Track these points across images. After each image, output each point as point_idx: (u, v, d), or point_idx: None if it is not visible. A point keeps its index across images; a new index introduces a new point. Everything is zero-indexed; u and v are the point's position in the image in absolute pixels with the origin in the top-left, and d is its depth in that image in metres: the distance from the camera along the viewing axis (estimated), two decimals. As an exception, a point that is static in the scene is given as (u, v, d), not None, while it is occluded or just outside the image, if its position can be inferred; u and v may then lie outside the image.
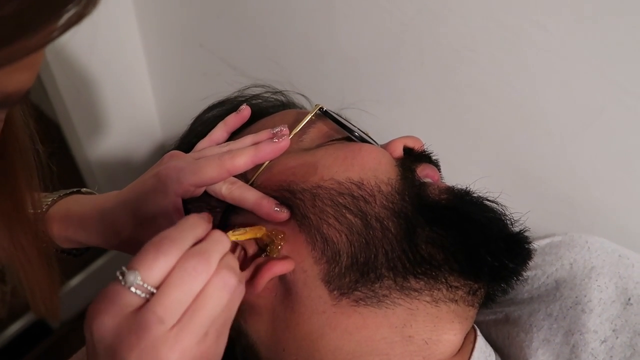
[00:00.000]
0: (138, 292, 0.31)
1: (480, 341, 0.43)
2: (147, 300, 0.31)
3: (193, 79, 0.91)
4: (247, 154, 0.41)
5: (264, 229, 0.42)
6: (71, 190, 0.50)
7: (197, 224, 0.35)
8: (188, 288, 0.32)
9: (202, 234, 0.35)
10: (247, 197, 0.42)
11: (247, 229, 0.41)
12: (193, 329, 0.31)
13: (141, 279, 0.31)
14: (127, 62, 0.92)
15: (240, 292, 0.35)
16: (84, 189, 0.52)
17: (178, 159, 0.44)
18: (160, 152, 1.04)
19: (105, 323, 0.31)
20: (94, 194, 0.52)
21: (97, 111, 0.92)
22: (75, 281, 1.17)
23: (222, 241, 0.35)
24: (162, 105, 1.02)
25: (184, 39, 0.86)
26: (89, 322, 0.31)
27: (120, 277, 0.31)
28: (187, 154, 0.46)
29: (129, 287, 0.31)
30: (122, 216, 0.44)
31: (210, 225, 0.36)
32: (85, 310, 0.33)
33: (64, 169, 0.44)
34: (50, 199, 0.49)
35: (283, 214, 0.41)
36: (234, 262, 0.36)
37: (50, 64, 0.80)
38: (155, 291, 0.31)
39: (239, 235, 0.40)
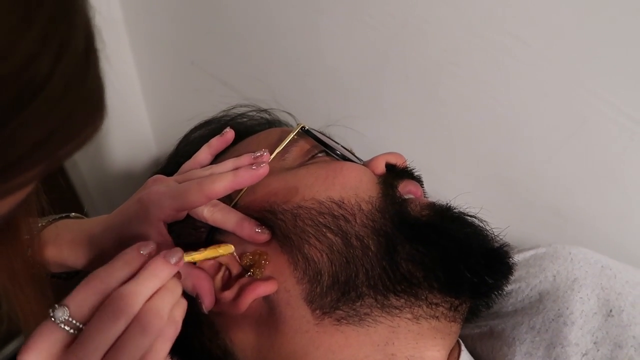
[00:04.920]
0: (66, 327, 0.32)
1: (465, 356, 0.43)
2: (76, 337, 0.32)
3: (186, 96, 0.92)
4: (225, 179, 0.41)
5: (231, 247, 0.41)
6: (60, 215, 0.51)
7: (130, 261, 0.35)
8: (108, 331, 0.32)
9: (134, 271, 0.34)
10: (229, 220, 0.43)
11: (209, 248, 0.40)
12: None
13: (69, 314, 0.32)
14: (120, 81, 0.92)
15: (171, 332, 0.35)
16: (72, 214, 0.52)
17: (160, 183, 0.44)
18: (156, 168, 1.04)
19: None
20: (83, 218, 0.52)
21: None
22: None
23: (153, 278, 0.34)
24: (156, 121, 1.02)
25: (176, 57, 0.87)
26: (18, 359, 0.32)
27: (51, 313, 0.32)
28: (170, 178, 0.46)
29: (58, 324, 0.32)
30: (108, 241, 0.44)
31: (150, 258, 0.35)
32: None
33: (59, 186, 0.44)
34: (40, 225, 0.49)
35: (264, 235, 0.42)
36: (163, 301, 0.34)
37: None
38: (83, 328, 0.32)
39: (196, 255, 0.39)
